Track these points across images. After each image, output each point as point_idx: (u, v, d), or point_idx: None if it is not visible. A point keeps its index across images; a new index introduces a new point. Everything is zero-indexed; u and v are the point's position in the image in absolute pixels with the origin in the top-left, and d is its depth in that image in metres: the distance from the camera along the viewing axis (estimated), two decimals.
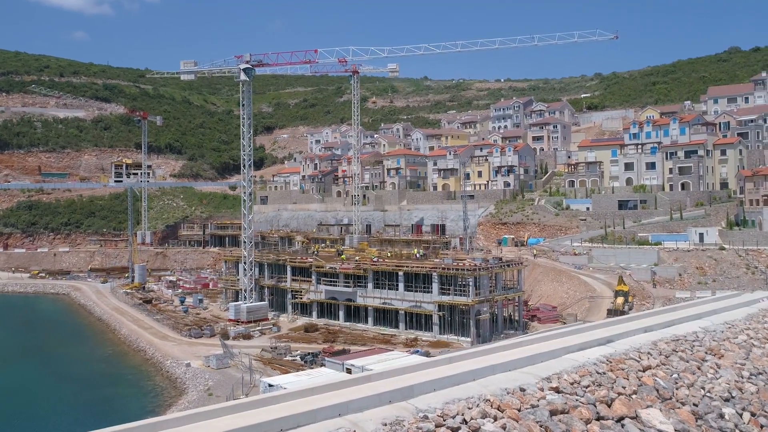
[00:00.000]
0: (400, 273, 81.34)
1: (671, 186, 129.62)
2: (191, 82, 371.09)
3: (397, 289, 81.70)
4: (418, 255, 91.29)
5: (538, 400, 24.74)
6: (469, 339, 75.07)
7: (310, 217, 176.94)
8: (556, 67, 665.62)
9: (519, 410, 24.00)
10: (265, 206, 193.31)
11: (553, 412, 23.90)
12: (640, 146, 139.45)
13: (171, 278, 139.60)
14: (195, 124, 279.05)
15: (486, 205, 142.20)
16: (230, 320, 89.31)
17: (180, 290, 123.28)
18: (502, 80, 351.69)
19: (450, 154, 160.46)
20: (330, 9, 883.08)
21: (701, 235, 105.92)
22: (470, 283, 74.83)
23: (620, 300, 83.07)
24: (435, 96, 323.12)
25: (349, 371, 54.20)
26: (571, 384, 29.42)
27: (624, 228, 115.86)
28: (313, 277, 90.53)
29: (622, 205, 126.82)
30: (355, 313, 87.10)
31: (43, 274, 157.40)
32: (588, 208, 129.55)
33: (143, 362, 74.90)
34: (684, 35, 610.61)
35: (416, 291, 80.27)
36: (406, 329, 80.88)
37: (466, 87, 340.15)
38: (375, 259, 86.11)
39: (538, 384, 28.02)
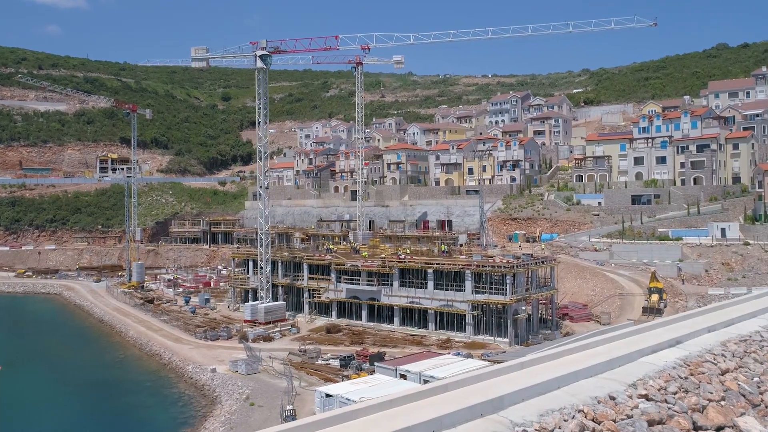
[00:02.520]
0: (430, 270, 77.38)
1: (683, 180, 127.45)
2: (173, 75, 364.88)
3: (426, 288, 77.76)
4: (444, 251, 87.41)
5: (632, 410, 23.58)
6: (506, 340, 71.48)
7: (307, 213, 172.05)
8: (539, 63, 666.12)
9: (615, 421, 23.28)
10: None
11: (650, 423, 23.44)
12: (649, 140, 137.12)
13: (168, 276, 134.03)
14: (180, 118, 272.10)
15: (493, 201, 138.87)
16: (246, 321, 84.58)
17: (181, 289, 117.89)
18: (489, 75, 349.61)
19: (453, 148, 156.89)
20: (306, 4, 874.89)
21: (723, 230, 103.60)
22: (508, 281, 71.19)
23: (655, 297, 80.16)
24: (423, 91, 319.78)
25: (403, 377, 50.35)
26: (658, 390, 28.47)
27: (642, 223, 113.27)
28: (333, 275, 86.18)
29: (635, 199, 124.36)
30: (379, 312, 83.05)
31: (30, 273, 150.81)
32: (600, 203, 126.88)
33: (161, 367, 69.99)
34: (668, 32, 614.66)
35: (447, 289, 76.40)
36: (435, 330, 77.02)
37: (454, 82, 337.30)
38: (401, 256, 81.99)
39: (626, 391, 27.32)
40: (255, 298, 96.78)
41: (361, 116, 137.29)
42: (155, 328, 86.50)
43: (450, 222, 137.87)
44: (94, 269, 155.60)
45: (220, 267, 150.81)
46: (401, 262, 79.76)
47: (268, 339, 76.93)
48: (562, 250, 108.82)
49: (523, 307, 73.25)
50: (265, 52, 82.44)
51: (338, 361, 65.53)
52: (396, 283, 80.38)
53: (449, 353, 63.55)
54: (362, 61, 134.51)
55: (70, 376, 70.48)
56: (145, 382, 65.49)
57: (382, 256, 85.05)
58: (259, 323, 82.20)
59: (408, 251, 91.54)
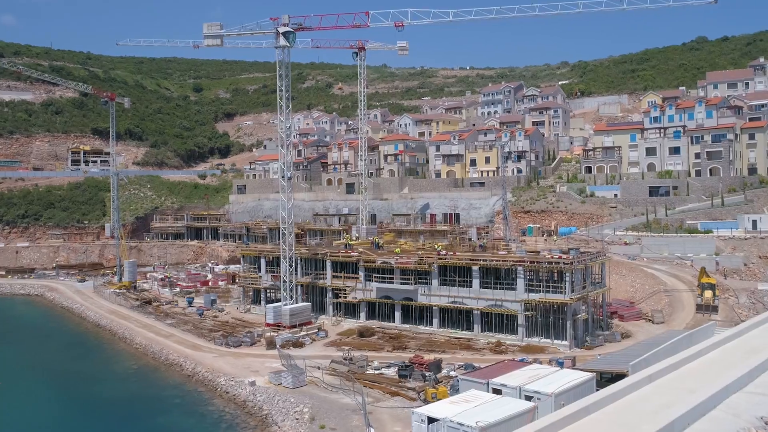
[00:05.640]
0: (475, 268, 70.91)
1: (697, 171, 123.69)
2: (140, 65, 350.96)
3: (471, 286, 71.29)
4: (480, 246, 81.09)
5: None
6: (565, 342, 65.52)
7: (298, 207, 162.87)
8: (514, 57, 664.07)
9: None
10: (243, 196, 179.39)
11: None
12: (662, 130, 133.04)
13: (158, 275, 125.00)
14: (152, 109, 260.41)
15: (500, 193, 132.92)
16: (268, 325, 76.93)
17: (178, 289, 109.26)
18: (468, 68, 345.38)
19: (454, 138, 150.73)
20: None
21: (754, 222, 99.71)
22: (567, 278, 65.23)
23: (708, 293, 75.20)
24: (402, 83, 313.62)
25: (497, 392, 43.79)
26: None
27: (666, 215, 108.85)
28: (362, 273, 79.07)
29: (653, 191, 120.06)
30: (414, 313, 76.32)
31: (2, 273, 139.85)
32: (616, 195, 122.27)
33: (185, 380, 62.02)
34: (645, 26, 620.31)
35: (495, 288, 70.10)
36: (482, 332, 70.67)
37: (432, 74, 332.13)
38: (441, 252, 75.31)
39: None
40: (267, 299, 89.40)
41: (364, 104, 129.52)
42: (165, 334, 78.25)
43: (457, 215, 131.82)
44: (73, 267, 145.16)
45: (210, 264, 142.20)
46: (442, 258, 73.08)
47: (298, 345, 69.51)
48: (588, 244, 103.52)
49: (583, 307, 67.48)
50: (288, 29, 74.66)
51: (390, 369, 58.79)
52: (435, 282, 73.73)
53: (514, 358, 57.26)
54: (365, 46, 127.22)
55: (82, 391, 62.02)
56: (173, 398, 57.49)
57: (419, 252, 78.28)
58: (284, 327, 74.73)
59: (438, 246, 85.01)
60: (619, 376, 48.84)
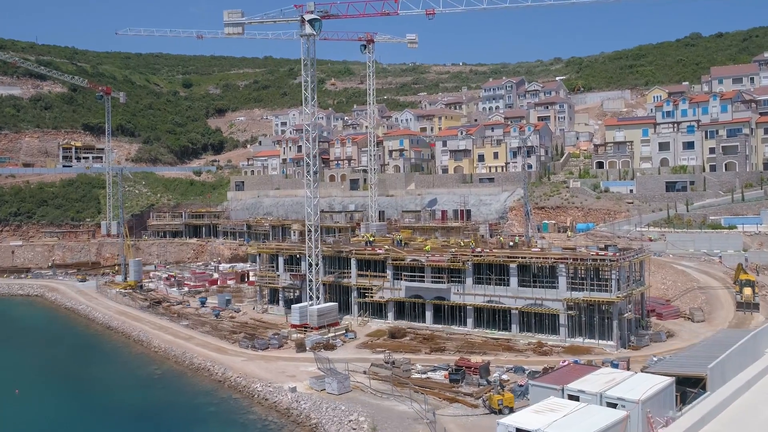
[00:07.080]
0: (512, 265, 68.08)
1: (712, 167, 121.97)
2: (127, 61, 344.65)
3: (509, 285, 68.45)
4: (511, 243, 78.33)
5: None
6: (612, 343, 62.88)
7: (299, 203, 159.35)
8: (500, 53, 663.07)
9: None
10: (241, 192, 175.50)
11: None
12: (675, 125, 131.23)
13: (160, 273, 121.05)
14: (143, 105, 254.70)
15: (511, 189, 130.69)
16: (294, 326, 73.51)
17: (186, 288, 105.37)
18: (460, 64, 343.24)
19: (461, 133, 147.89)
20: None
21: None
22: (613, 276, 62.63)
23: (748, 291, 72.95)
24: (396, 78, 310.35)
25: (574, 399, 40.89)
26: None
27: (688, 211, 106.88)
28: (389, 271, 75.90)
29: (669, 186, 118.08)
30: (446, 313, 73.32)
31: None
32: (632, 191, 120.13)
33: (216, 386, 58.45)
34: (635, 22, 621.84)
35: (535, 286, 67.35)
36: (520, 332, 67.90)
37: (425, 70, 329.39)
38: (475, 249, 72.36)
39: None
40: (285, 299, 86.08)
41: (373, 97, 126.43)
42: (184, 336, 74.57)
43: (468, 212, 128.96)
44: (69, 266, 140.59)
45: (213, 263, 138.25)
46: (477, 256, 70.13)
47: (329, 347, 66.22)
48: (608, 240, 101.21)
49: (629, 306, 64.92)
50: (314, 16, 71.25)
51: (436, 373, 55.87)
52: (469, 280, 70.76)
53: (564, 361, 54.51)
54: (373, 39, 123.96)
55: (106, 398, 58.14)
56: (207, 406, 53.88)
57: (451, 249, 75.27)
58: (312, 328, 71.40)
59: (470, 243, 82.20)
60: (687, 380, 46.34)
